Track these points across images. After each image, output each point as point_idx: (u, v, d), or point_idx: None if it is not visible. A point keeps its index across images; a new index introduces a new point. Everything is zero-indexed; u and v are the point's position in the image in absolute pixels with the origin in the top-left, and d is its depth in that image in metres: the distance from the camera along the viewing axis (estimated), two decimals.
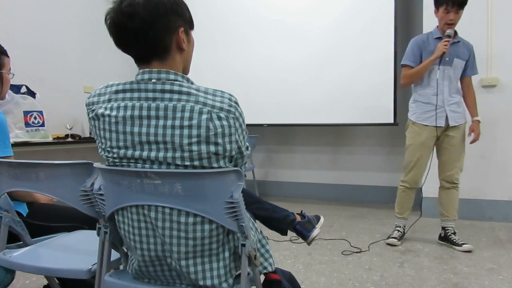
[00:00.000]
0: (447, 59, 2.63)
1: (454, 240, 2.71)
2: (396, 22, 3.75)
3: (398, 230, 2.88)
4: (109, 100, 1.02)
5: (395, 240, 2.79)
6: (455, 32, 2.67)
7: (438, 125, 2.68)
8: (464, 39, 2.72)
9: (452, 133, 2.71)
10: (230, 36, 4.40)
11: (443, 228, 2.80)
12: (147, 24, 0.97)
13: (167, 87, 0.98)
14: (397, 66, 3.77)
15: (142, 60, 1.04)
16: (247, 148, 1.13)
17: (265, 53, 4.27)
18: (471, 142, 2.76)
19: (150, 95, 0.98)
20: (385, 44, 3.78)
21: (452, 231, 2.76)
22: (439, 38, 2.65)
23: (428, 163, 2.74)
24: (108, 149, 1.03)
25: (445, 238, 2.77)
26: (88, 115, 1.07)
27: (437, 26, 2.69)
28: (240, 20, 4.36)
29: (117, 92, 1.02)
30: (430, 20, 3.52)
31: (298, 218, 1.71)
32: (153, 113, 0.97)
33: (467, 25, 3.36)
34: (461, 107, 2.74)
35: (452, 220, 2.77)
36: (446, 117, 2.68)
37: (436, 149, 2.80)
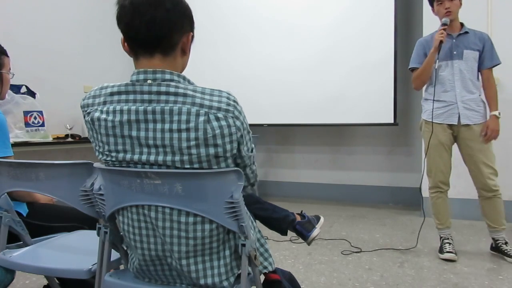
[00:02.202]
0: (455, 52, 2.50)
1: (506, 251, 2.49)
2: (396, 22, 3.75)
3: (449, 243, 2.57)
4: (105, 103, 1.01)
5: (453, 255, 2.48)
6: (462, 24, 2.55)
7: (449, 122, 2.52)
8: (476, 30, 2.57)
9: (472, 137, 2.49)
10: (230, 36, 4.40)
11: (493, 239, 2.58)
12: (167, 14, 0.97)
13: (163, 89, 0.97)
14: (397, 66, 3.78)
15: (146, 49, 1.00)
16: (251, 150, 1.09)
17: (265, 53, 4.26)
18: (486, 140, 2.48)
19: (146, 97, 0.97)
20: (385, 44, 3.78)
21: (504, 241, 2.53)
22: None
23: (451, 161, 2.57)
24: (107, 152, 1.03)
25: (496, 249, 2.57)
26: (84, 117, 1.06)
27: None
28: (240, 20, 4.36)
29: (112, 94, 1.00)
30: (430, 20, 3.52)
31: (298, 218, 1.71)
32: (150, 116, 0.96)
33: (466, 25, 3.37)
34: (481, 105, 2.52)
35: (501, 230, 2.53)
36: (459, 115, 2.50)
37: (461, 154, 2.59)
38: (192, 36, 1.08)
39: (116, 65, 4.15)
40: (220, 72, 4.41)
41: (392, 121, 3.82)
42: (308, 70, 4.11)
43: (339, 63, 3.99)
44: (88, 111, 1.04)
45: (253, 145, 1.11)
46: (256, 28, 4.29)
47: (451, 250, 2.52)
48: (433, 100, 2.56)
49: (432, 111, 2.56)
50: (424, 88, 2.73)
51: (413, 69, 2.66)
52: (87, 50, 3.97)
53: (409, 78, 4.03)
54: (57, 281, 1.61)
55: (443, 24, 2.45)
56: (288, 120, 4.22)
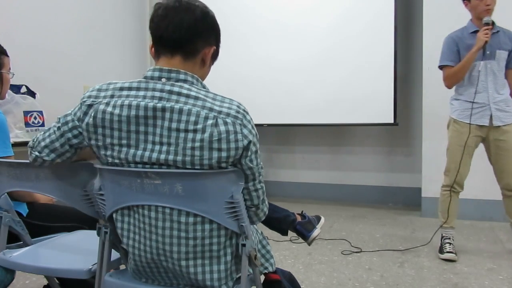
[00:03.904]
0: (488, 52, 2.44)
1: None
2: (396, 22, 3.75)
3: (449, 243, 2.58)
4: (112, 96, 1.00)
5: (454, 255, 2.50)
6: (493, 22, 2.44)
7: (481, 124, 2.48)
8: (503, 27, 2.51)
9: (501, 136, 2.48)
10: (230, 36, 4.35)
11: None
12: (196, 21, 1.02)
13: (176, 89, 0.98)
14: (397, 66, 3.77)
15: (168, 48, 1.03)
16: (256, 164, 1.03)
17: (265, 53, 4.26)
18: None
19: (157, 94, 0.97)
20: (385, 44, 3.78)
21: None
22: (476, 32, 2.44)
23: (470, 163, 2.55)
24: (108, 146, 1.01)
25: None
26: (80, 107, 1.02)
27: (471, 20, 2.53)
28: (240, 20, 4.35)
29: (122, 89, 1.00)
30: (430, 20, 3.53)
31: (299, 218, 1.71)
32: (159, 114, 0.96)
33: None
34: (510, 104, 2.50)
35: None
36: (491, 116, 2.47)
37: (487, 154, 2.58)
38: (216, 51, 1.12)
39: (116, 65, 4.15)
40: (220, 72, 4.38)
41: (392, 121, 3.81)
42: (308, 70, 4.11)
43: (339, 63, 3.99)
44: (88, 102, 1.01)
45: (261, 163, 1.06)
46: (256, 29, 4.29)
47: (451, 250, 2.52)
48: (472, 101, 2.49)
49: (471, 112, 2.50)
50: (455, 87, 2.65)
51: (444, 66, 2.57)
52: (87, 50, 3.97)
53: (409, 78, 4.05)
54: (57, 281, 1.60)
55: (486, 24, 2.39)
56: (288, 120, 4.21)
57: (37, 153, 1.11)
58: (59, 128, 1.07)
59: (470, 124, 2.50)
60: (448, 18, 3.46)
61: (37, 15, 3.45)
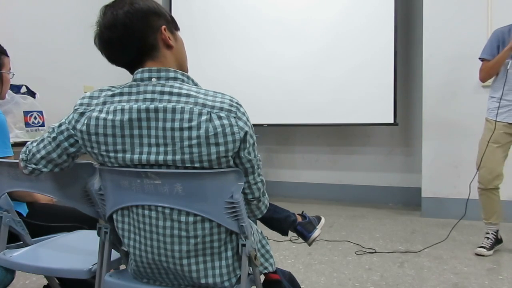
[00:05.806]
0: None
1: None
2: (396, 21, 3.75)
3: (487, 238, 2.65)
4: (104, 103, 1.00)
5: (484, 250, 2.57)
6: None
7: (510, 122, 2.51)
8: None
9: None
10: (230, 35, 4.40)
11: None
12: (129, 29, 1.00)
13: (167, 89, 0.97)
14: (397, 65, 3.77)
15: (135, 64, 1.04)
16: (254, 156, 1.04)
17: (265, 51, 4.26)
18: None
19: (149, 96, 0.97)
20: (385, 44, 3.78)
21: None
22: None
23: (503, 161, 2.56)
24: (103, 153, 1.01)
25: None
26: (74, 114, 1.03)
27: None
28: (240, 18, 4.35)
29: (113, 95, 1.00)
30: (430, 18, 3.53)
31: (299, 219, 1.71)
32: (152, 115, 0.96)
33: (467, 25, 3.37)
34: None
35: None
36: None
37: None
38: (169, 24, 1.08)
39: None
40: (221, 71, 4.41)
41: (392, 121, 3.81)
42: (308, 69, 4.11)
43: (339, 62, 3.99)
44: (80, 110, 1.02)
45: (259, 155, 1.07)
46: (257, 27, 4.28)
47: (484, 245, 2.59)
48: (500, 99, 2.51)
49: (497, 110, 2.53)
50: (490, 84, 2.66)
51: (483, 59, 2.60)
52: (87, 50, 3.95)
53: (409, 78, 4.05)
54: (57, 281, 1.61)
55: None
56: (288, 120, 4.21)
57: (33, 166, 1.10)
58: (54, 138, 1.06)
59: (500, 122, 2.52)
60: (449, 17, 3.47)
61: (37, 15, 3.45)
